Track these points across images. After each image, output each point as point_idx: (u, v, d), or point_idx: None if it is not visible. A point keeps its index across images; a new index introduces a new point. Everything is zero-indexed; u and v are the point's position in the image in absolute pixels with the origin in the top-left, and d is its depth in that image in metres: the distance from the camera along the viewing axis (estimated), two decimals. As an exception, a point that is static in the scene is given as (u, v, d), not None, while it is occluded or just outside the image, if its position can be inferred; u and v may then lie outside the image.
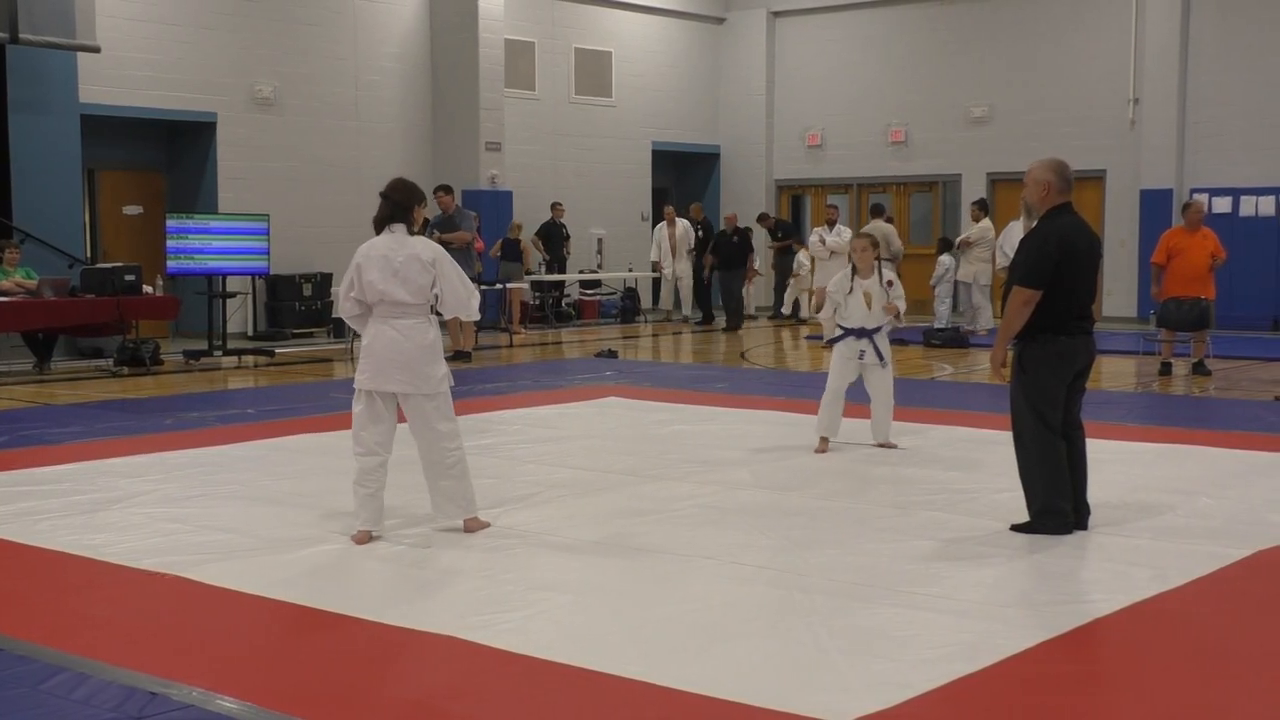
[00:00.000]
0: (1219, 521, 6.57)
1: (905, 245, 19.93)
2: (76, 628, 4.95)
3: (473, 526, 6.42)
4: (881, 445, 8.70)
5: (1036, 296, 6.12)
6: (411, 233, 6.37)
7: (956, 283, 18.41)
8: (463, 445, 6.43)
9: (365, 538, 6.16)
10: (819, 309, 8.95)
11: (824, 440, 8.64)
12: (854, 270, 8.65)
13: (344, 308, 6.46)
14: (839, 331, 8.66)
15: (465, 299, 6.33)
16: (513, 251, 18.59)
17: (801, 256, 20.56)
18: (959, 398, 11.74)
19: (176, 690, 4.20)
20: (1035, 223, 6.42)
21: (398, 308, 6.22)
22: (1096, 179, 19.90)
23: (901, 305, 8.61)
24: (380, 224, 6.39)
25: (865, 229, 18.26)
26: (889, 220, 18.65)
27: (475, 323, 16.05)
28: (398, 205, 6.39)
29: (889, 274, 8.70)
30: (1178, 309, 12.93)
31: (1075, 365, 6.28)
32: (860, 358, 8.57)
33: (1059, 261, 6.12)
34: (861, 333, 8.56)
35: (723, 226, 20.13)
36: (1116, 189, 19.98)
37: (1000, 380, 6.51)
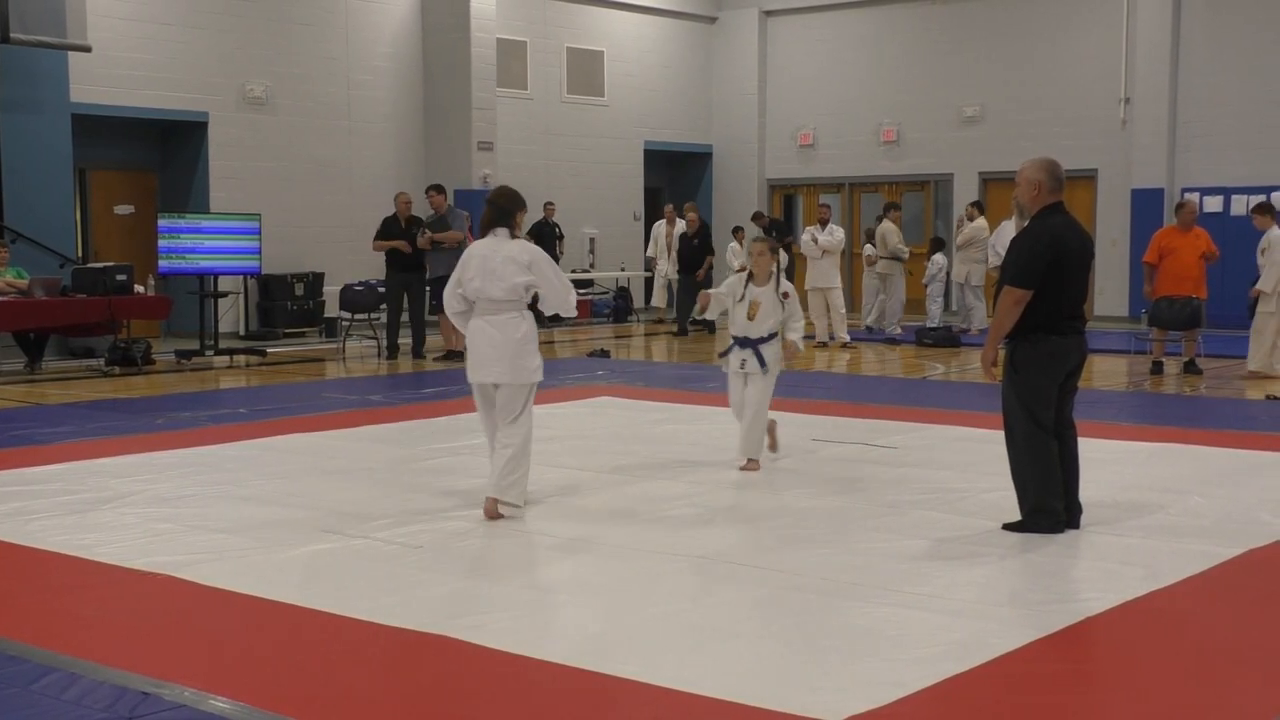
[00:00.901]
0: (1210, 520, 6.59)
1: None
2: (68, 628, 4.94)
3: (489, 510, 6.64)
4: (744, 468, 7.89)
5: (1028, 296, 6.13)
6: (513, 236, 6.87)
7: (950, 282, 18.45)
8: (527, 437, 6.79)
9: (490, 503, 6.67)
10: (704, 310, 8.13)
11: (750, 461, 7.96)
12: (749, 276, 8.14)
13: (449, 304, 6.93)
14: (730, 342, 8.10)
15: (564, 296, 6.82)
16: None
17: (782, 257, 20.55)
18: (951, 397, 11.76)
19: (168, 690, 4.19)
20: (1027, 222, 6.43)
21: (493, 304, 6.71)
22: (1088, 178, 19.94)
23: (798, 328, 8.11)
24: (485, 228, 6.87)
25: (880, 228, 18.28)
26: (898, 219, 18.49)
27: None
28: (501, 210, 6.87)
29: (786, 284, 8.19)
30: (1169, 308, 12.96)
31: (1067, 364, 6.29)
32: (741, 367, 7.99)
33: (1051, 261, 6.13)
34: (745, 342, 7.98)
35: (683, 228, 19.13)
36: (1108, 188, 20.02)
37: (992, 380, 6.52)
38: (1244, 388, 12.16)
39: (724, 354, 8.20)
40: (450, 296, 6.88)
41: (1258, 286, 12.59)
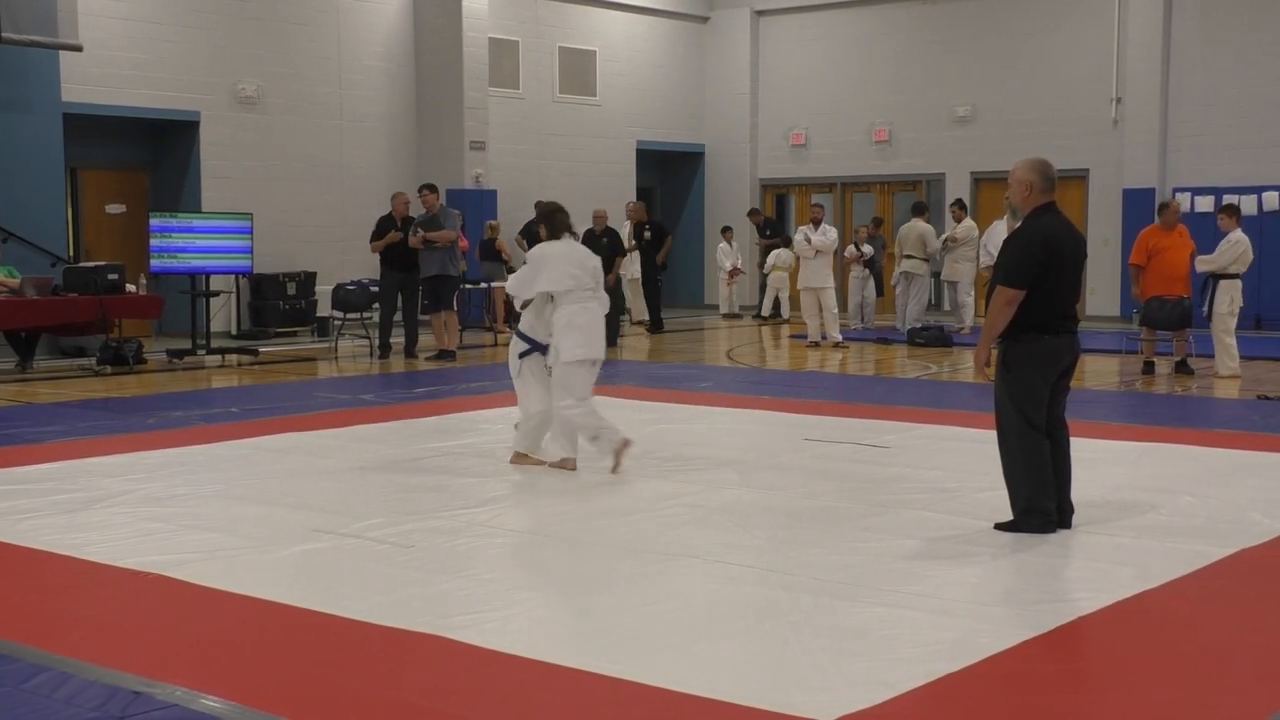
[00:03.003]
0: (1202, 520, 6.60)
1: (889, 244, 19.97)
2: (59, 627, 4.93)
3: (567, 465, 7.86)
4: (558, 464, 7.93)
5: (1020, 296, 6.14)
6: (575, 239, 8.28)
7: (943, 282, 18.48)
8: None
9: (625, 444, 7.78)
10: (524, 306, 8.15)
11: (565, 459, 7.98)
12: None
13: (525, 291, 7.96)
14: (524, 347, 8.08)
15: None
16: (489, 251, 18.55)
17: (772, 257, 20.60)
18: (943, 397, 11.77)
19: (160, 689, 4.19)
20: (1019, 223, 6.44)
21: (585, 292, 7.91)
22: (1079, 178, 19.97)
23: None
24: (558, 233, 8.12)
25: (904, 227, 18.30)
26: (928, 219, 18.51)
27: (460, 322, 16.05)
28: (560, 224, 8.16)
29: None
30: (1160, 308, 12.99)
31: (1059, 364, 6.30)
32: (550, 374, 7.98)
33: (1043, 261, 6.14)
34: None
35: (590, 225, 17.23)
36: (1099, 188, 20.05)
37: (984, 380, 6.53)
38: (1234, 387, 12.19)
39: (524, 355, 8.08)
40: (526, 288, 7.97)
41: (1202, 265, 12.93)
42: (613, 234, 17.16)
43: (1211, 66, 19.07)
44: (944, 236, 18.17)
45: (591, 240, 16.53)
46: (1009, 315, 6.17)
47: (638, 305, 20.25)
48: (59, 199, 15.50)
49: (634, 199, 21.34)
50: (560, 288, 7.87)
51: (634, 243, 19.10)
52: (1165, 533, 6.32)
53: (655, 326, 18.83)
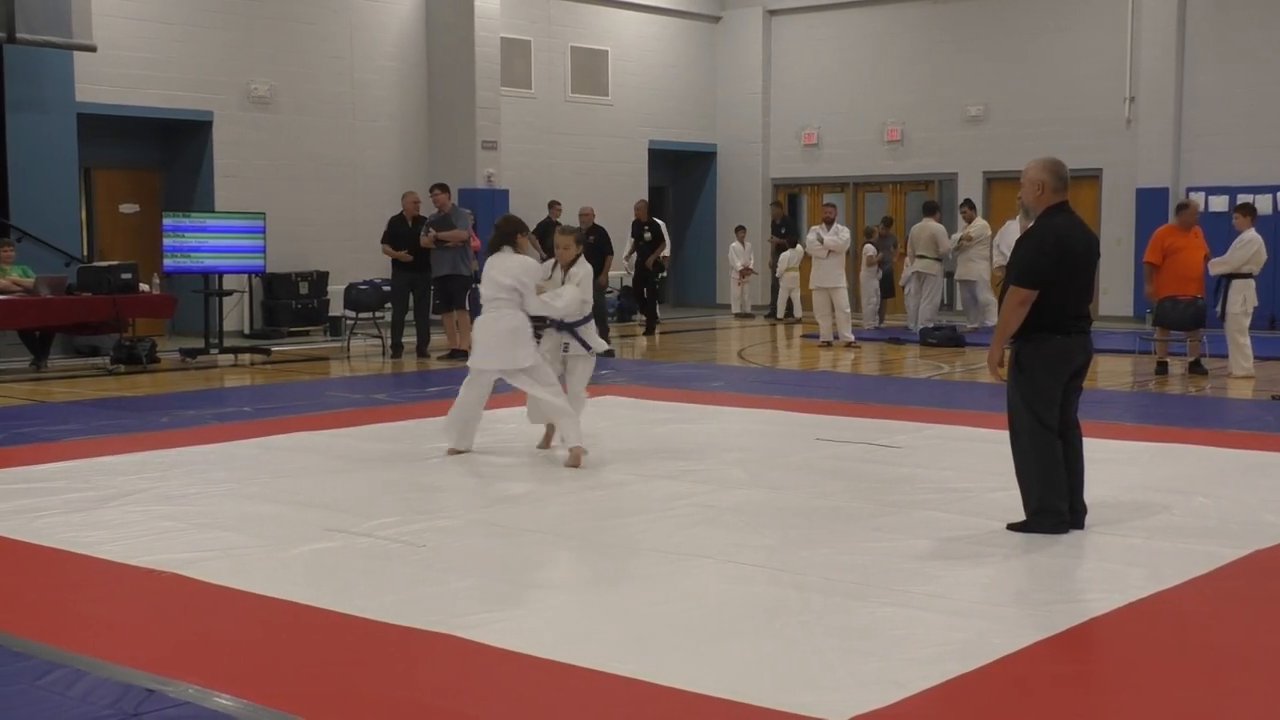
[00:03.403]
0: (1215, 521, 6.58)
1: (900, 244, 19.94)
2: (73, 625, 4.95)
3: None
4: (569, 465, 8.06)
5: (1033, 296, 6.12)
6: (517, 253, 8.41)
7: (958, 282, 18.45)
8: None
9: (452, 451, 8.40)
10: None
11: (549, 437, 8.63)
12: (556, 263, 8.61)
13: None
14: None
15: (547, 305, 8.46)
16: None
17: (783, 259, 20.61)
18: (955, 397, 11.75)
19: (173, 687, 4.20)
20: (1032, 222, 6.43)
21: (499, 301, 8.18)
22: (1093, 178, 19.92)
23: (553, 298, 8.50)
24: (497, 245, 8.34)
25: (916, 227, 18.28)
26: (939, 218, 18.49)
27: (471, 321, 16.03)
28: (500, 237, 8.37)
29: (582, 270, 8.50)
30: (1174, 308, 12.96)
31: (1072, 364, 6.29)
32: (565, 350, 8.56)
33: (1055, 261, 6.12)
34: (561, 325, 8.52)
35: (579, 224, 16.41)
36: (1113, 188, 19.99)
37: (997, 380, 6.52)
38: (1248, 388, 12.15)
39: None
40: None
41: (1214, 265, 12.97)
42: (600, 232, 16.57)
43: (1226, 65, 19.01)
44: (958, 235, 18.13)
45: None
46: (1022, 315, 6.16)
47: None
48: (73, 199, 15.56)
49: (644, 198, 21.29)
50: (485, 296, 8.26)
51: (634, 241, 19.01)
52: (1178, 534, 6.30)
53: (650, 327, 18.68)
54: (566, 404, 8.19)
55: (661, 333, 18.82)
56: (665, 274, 20.05)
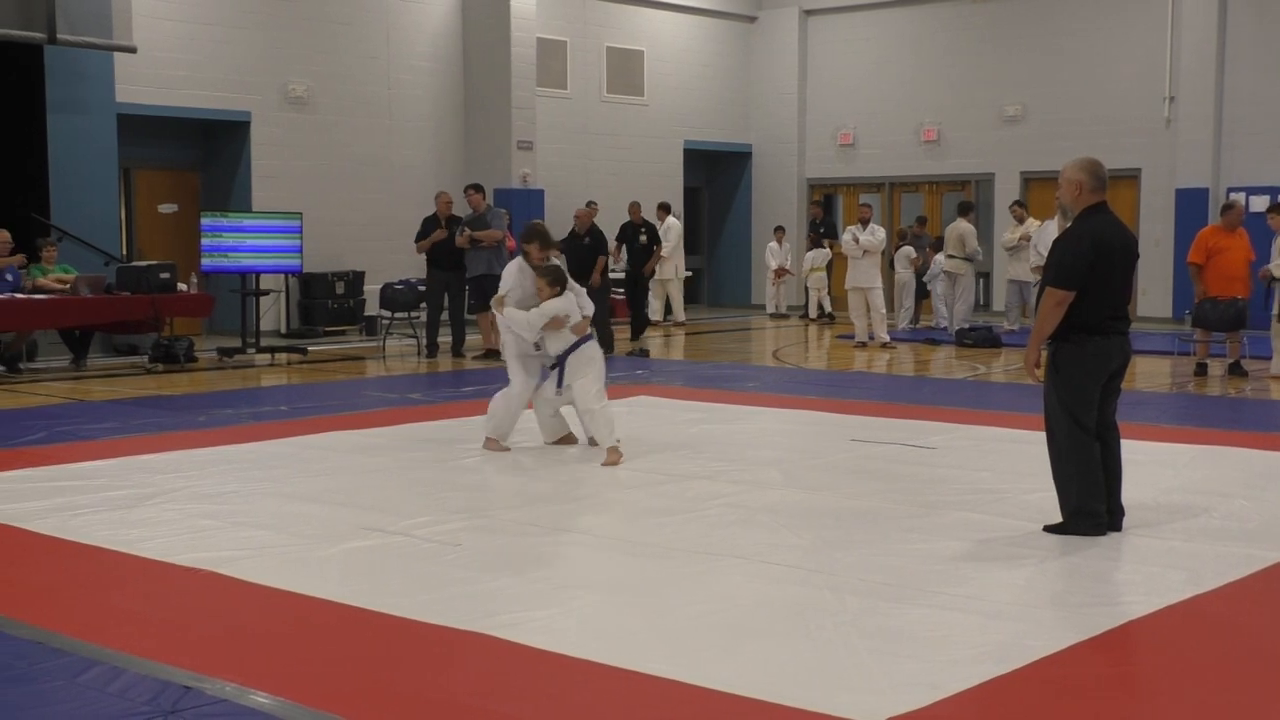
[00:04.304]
0: (1255, 524, 6.52)
1: (933, 243, 19.84)
2: (112, 622, 4.99)
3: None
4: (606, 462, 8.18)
5: (1070, 297, 6.08)
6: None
7: (1009, 281, 18.33)
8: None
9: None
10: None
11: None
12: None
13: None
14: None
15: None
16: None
17: (811, 256, 20.56)
18: (991, 398, 11.69)
19: (210, 685, 4.23)
20: (1070, 222, 6.39)
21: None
22: (1131, 178, 19.77)
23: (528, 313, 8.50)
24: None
25: (949, 227, 18.21)
26: (974, 219, 18.37)
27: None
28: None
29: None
30: (1214, 309, 12.85)
31: (1110, 366, 6.24)
32: (559, 388, 8.51)
33: (1092, 262, 6.08)
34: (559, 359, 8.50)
35: (574, 225, 15.80)
36: (1151, 188, 19.83)
37: (1035, 381, 6.48)
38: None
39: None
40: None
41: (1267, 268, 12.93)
42: (596, 234, 15.67)
43: (1267, 65, 18.81)
44: (1017, 234, 17.88)
45: (572, 241, 15.52)
46: (1059, 316, 6.12)
47: (675, 306, 20.28)
48: (113, 199, 15.69)
49: (671, 201, 21.27)
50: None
51: (616, 244, 17.50)
52: (1217, 536, 6.25)
53: (636, 334, 16.64)
54: (600, 404, 8.29)
55: (696, 333, 18.79)
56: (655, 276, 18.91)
